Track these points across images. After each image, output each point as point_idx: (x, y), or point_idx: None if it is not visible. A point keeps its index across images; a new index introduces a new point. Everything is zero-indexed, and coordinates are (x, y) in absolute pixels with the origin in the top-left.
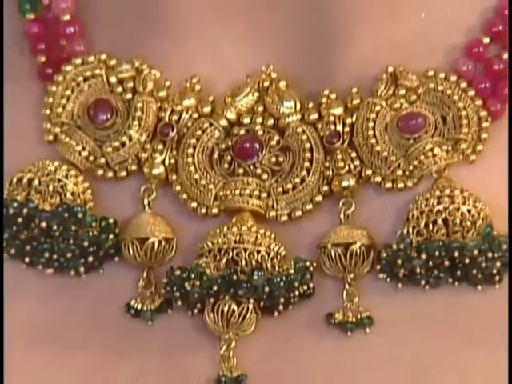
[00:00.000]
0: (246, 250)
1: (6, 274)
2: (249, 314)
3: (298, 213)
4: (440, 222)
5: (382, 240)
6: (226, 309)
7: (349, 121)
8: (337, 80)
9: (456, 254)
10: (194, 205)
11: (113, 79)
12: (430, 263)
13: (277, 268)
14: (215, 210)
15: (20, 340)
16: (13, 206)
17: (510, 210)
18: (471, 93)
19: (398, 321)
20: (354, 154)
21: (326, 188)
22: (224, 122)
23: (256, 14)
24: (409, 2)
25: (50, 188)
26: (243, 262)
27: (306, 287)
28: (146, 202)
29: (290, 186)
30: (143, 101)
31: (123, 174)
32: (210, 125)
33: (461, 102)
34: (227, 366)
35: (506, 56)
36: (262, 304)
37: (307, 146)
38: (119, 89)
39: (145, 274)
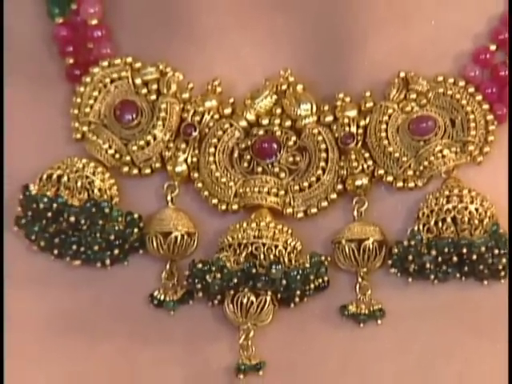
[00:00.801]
0: (264, 244)
1: (35, 265)
2: (266, 305)
3: (314, 210)
4: (449, 220)
5: (394, 237)
6: (245, 300)
7: (362, 123)
8: (351, 84)
9: (464, 250)
10: (215, 201)
11: (138, 81)
12: (439, 259)
13: (293, 262)
14: (235, 207)
15: (48, 329)
16: (43, 201)
17: (510, 210)
18: (479, 97)
19: (408, 313)
20: (367, 155)
21: (340, 186)
22: (244, 123)
23: (274, 20)
24: (420, 10)
25: (79, 184)
26: (262, 256)
27: (320, 280)
28: (169, 198)
29: (306, 184)
30: (167, 102)
31: (148, 171)
32: (231, 125)
33: (469, 106)
34: (246, 354)
35: None
36: (279, 296)
37: (323, 146)
38: (144, 90)
39: (167, 267)
